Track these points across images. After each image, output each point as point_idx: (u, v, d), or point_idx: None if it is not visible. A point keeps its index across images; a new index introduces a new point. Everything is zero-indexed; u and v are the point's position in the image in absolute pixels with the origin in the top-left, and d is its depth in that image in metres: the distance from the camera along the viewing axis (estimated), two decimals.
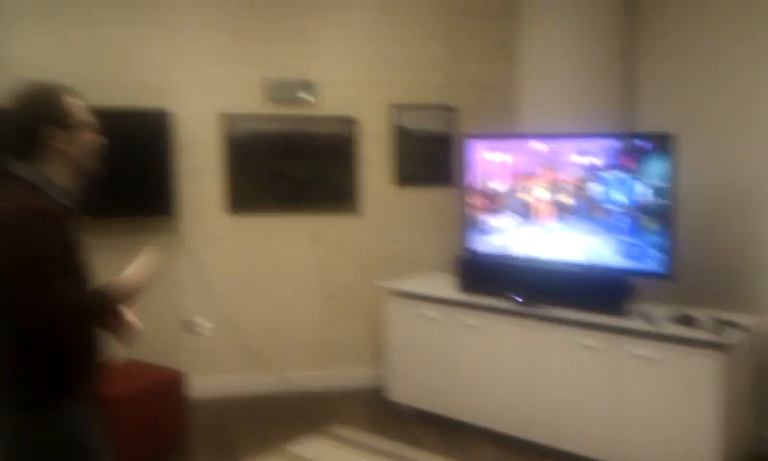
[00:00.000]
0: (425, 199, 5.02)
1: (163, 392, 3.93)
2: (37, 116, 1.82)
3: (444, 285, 4.43)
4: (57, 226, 1.79)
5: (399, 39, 4.90)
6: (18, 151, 1.84)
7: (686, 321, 3.54)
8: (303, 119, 4.80)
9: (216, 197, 4.75)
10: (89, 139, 1.92)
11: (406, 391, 4.49)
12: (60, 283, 1.74)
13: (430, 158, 5.02)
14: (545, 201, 4.10)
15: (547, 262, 4.10)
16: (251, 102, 4.73)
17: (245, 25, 4.69)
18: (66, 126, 1.85)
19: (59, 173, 1.86)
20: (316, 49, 4.81)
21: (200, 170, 4.68)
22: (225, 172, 4.74)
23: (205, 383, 4.65)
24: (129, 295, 1.92)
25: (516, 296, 3.99)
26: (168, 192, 4.50)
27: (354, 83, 4.87)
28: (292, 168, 4.84)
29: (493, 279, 4.17)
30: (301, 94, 4.76)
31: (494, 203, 4.33)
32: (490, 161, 4.33)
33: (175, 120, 4.53)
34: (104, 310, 1.89)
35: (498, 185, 4.30)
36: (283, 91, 4.74)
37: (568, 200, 4.01)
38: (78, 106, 1.89)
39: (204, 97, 4.67)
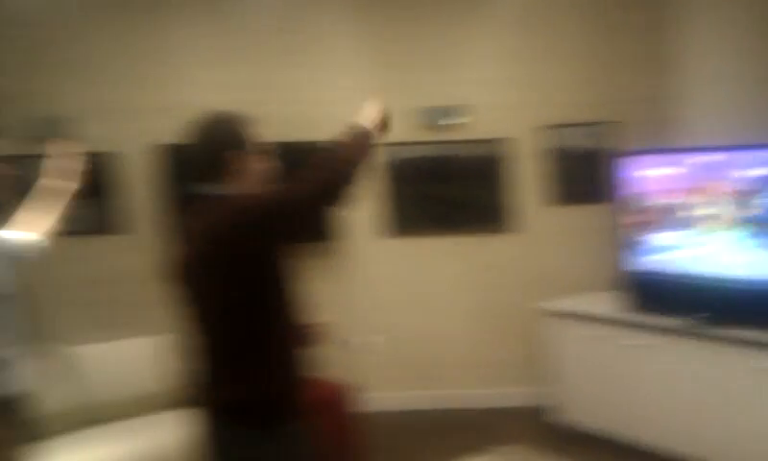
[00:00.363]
0: (580, 217, 4.93)
1: (332, 406, 4.05)
2: (224, 143, 1.93)
3: (607, 304, 4.31)
4: None
5: (549, 59, 4.90)
6: (206, 177, 1.94)
7: None
8: (456, 143, 4.90)
9: (375, 222, 4.95)
10: (264, 164, 2.02)
11: (569, 411, 4.41)
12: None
13: (583, 176, 4.94)
14: (711, 215, 3.91)
15: (719, 279, 3.87)
16: (404, 130, 4.87)
17: (399, 58, 4.88)
18: (247, 151, 1.96)
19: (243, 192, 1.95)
20: (467, 75, 4.91)
21: (364, 196, 4.88)
22: (382, 197, 4.93)
23: (370, 399, 4.80)
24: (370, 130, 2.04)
25: (687, 315, 3.80)
26: (334, 217, 4.73)
27: (505, 104, 4.90)
28: (445, 191, 4.96)
29: (664, 298, 4.01)
30: (454, 119, 4.87)
31: (655, 218, 4.17)
32: (648, 176, 4.19)
33: None
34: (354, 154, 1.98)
35: (659, 201, 4.14)
36: (436, 117, 4.87)
37: (735, 213, 3.79)
38: (255, 132, 2.00)
39: None
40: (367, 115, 2.07)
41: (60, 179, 2.65)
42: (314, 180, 1.85)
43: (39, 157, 2.78)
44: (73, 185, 2.67)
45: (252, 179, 1.98)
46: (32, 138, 4.65)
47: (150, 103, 4.76)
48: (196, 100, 4.68)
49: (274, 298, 1.86)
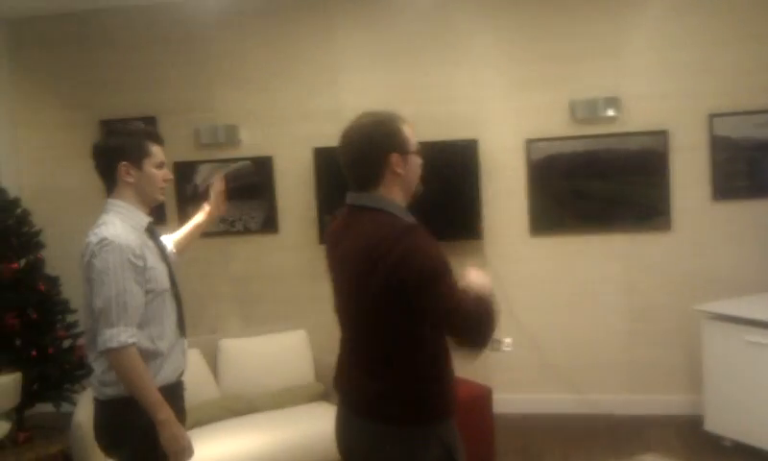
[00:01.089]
0: (748, 213, 4.55)
1: (472, 406, 4.07)
2: (383, 144, 1.89)
3: None
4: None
5: (718, 43, 4.55)
6: (365, 180, 1.91)
7: None
8: (610, 137, 4.70)
9: (520, 219, 4.86)
10: (420, 164, 1.98)
11: (725, 421, 4.09)
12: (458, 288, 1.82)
13: (754, 169, 4.54)
14: None
15: None
16: (555, 124, 4.77)
17: (548, 49, 4.75)
18: (406, 151, 1.92)
19: (399, 197, 1.93)
20: (623, 64, 4.69)
21: (505, 194, 4.84)
22: (529, 195, 4.83)
23: (510, 400, 4.75)
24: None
25: None
26: (476, 217, 4.75)
27: (666, 94, 4.63)
28: (596, 187, 4.76)
29: None
30: (608, 112, 4.66)
31: None
32: None
33: (482, 148, 4.76)
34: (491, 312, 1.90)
35: None
36: (589, 111, 4.69)
37: None
38: (411, 132, 1.95)
39: (510, 124, 4.83)
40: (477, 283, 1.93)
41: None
42: (475, 320, 1.84)
43: (200, 163, 2.99)
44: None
45: (411, 182, 1.96)
46: (196, 146, 5.07)
47: (307, 108, 5.02)
48: (352, 103, 4.88)
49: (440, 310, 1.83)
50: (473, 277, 1.94)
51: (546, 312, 4.85)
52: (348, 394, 2.00)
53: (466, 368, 4.20)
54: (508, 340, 4.84)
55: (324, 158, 4.76)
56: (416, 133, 1.99)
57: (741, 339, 3.95)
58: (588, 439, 4.36)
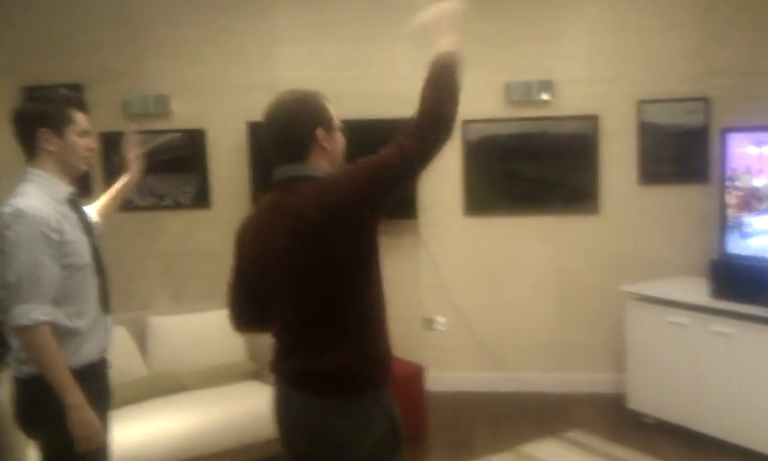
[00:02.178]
0: (673, 198, 4.71)
1: (404, 384, 4.12)
2: (310, 119, 1.90)
3: (694, 290, 4.12)
4: None
5: (647, 30, 4.66)
6: (292, 156, 1.91)
7: None
8: (543, 120, 4.77)
9: (455, 200, 4.90)
10: (343, 142, 2.00)
11: (648, 399, 4.26)
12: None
13: (680, 154, 4.69)
14: None
15: None
16: (490, 106, 4.80)
17: (485, 31, 4.75)
18: (331, 127, 1.94)
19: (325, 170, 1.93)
20: (557, 48, 4.76)
21: (440, 174, 4.84)
22: (463, 176, 4.86)
23: (442, 378, 4.83)
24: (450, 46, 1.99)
25: None
26: (411, 195, 4.73)
27: (598, 79, 4.72)
28: (529, 169, 4.84)
29: (752, 285, 3.78)
30: (542, 95, 4.73)
31: (758, 201, 3.93)
32: (749, 155, 3.95)
33: None
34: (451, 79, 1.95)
35: (759, 181, 3.91)
36: (523, 94, 4.74)
37: None
38: (332, 109, 1.96)
39: None
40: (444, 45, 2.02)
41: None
42: (427, 123, 1.86)
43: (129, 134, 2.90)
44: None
45: (337, 157, 1.97)
46: (124, 116, 4.89)
47: (241, 81, 4.89)
48: (289, 77, 4.79)
49: (368, 270, 1.87)
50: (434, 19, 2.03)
51: (478, 292, 4.92)
52: (293, 375, 1.95)
53: (396, 346, 4.26)
54: (441, 319, 4.93)
55: (258, 133, 4.65)
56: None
57: (663, 319, 4.11)
58: (516, 416, 4.46)
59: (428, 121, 1.86)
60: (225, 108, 4.91)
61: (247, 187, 4.82)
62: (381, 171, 1.82)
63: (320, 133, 1.91)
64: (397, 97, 4.80)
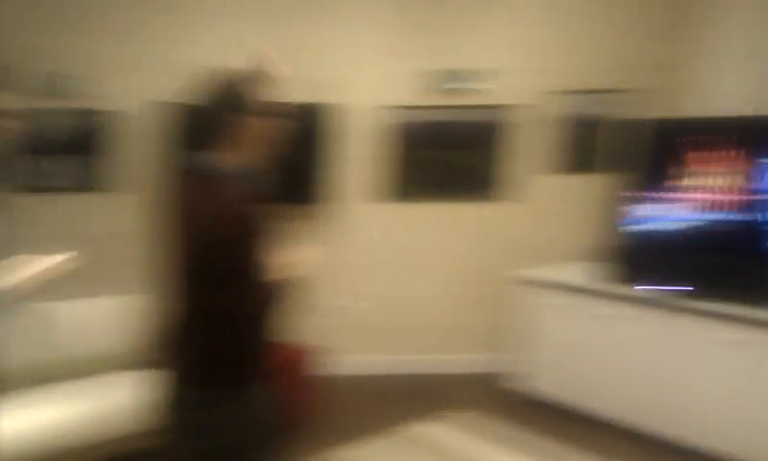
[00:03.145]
0: (579, 186, 4.88)
1: (295, 369, 4.13)
2: (223, 104, 1.87)
3: (582, 274, 4.30)
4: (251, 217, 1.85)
5: (566, 24, 4.82)
6: (206, 141, 1.88)
7: None
8: (464, 108, 4.86)
9: (368, 185, 4.95)
10: (269, 127, 1.93)
11: (533, 379, 4.43)
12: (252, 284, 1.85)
13: (587, 144, 4.88)
14: (714, 186, 3.84)
15: (707, 250, 3.83)
16: (414, 94, 4.87)
17: (412, 18, 4.82)
18: (252, 113, 1.88)
19: (243, 159, 1.89)
20: (481, 39, 4.85)
21: (357, 160, 4.90)
22: (379, 161, 4.92)
23: (340, 363, 4.88)
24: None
25: (664, 286, 3.81)
26: (324, 181, 4.78)
27: (518, 70, 4.85)
28: (445, 156, 4.94)
29: (637, 269, 4.00)
30: (463, 84, 4.83)
31: (656, 189, 4.09)
32: (656, 146, 4.10)
33: (342, 112, 4.76)
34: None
35: (663, 171, 4.05)
36: (447, 82, 4.83)
37: (742, 187, 3.74)
38: (264, 93, 1.90)
39: (370, 90, 4.84)
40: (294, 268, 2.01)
41: None
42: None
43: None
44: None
45: (257, 144, 1.92)
46: (36, 94, 4.64)
47: (157, 59, 4.74)
48: (208, 57, 4.64)
49: (245, 266, 1.86)
50: (295, 258, 2.00)
51: (386, 277, 5.02)
52: (172, 362, 2.00)
53: (291, 331, 4.29)
54: (336, 304, 4.99)
55: (171, 114, 4.54)
56: (276, 93, 1.94)
57: (549, 301, 4.30)
58: (404, 398, 4.56)
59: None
60: (138, 87, 4.75)
61: (156, 170, 4.69)
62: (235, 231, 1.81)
63: (242, 119, 1.87)
64: (324, 81, 4.75)
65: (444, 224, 5.00)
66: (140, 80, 4.76)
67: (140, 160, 4.81)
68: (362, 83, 4.86)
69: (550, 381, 4.35)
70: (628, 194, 4.23)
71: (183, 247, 1.90)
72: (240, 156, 1.89)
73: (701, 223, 3.89)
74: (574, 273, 4.41)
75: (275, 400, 2.02)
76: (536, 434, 4.00)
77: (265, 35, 4.75)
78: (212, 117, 1.88)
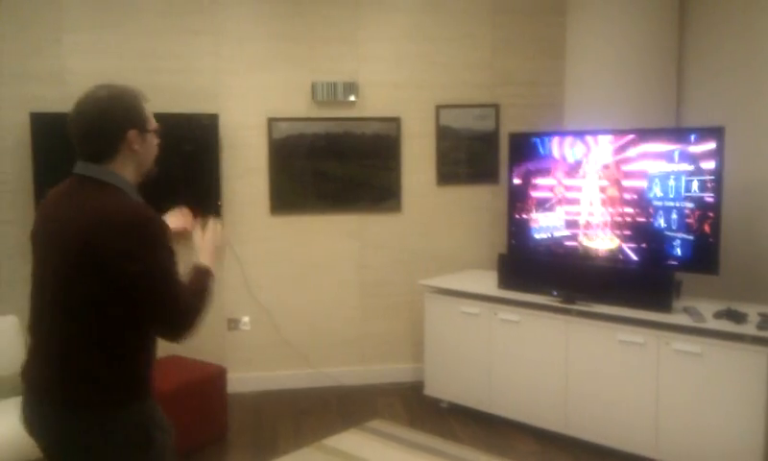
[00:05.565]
0: (468, 197, 5.00)
1: (205, 386, 4.00)
2: (122, 119, 1.83)
3: (485, 282, 4.41)
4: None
5: (444, 39, 4.91)
6: (98, 154, 1.83)
7: (731, 316, 3.43)
8: (348, 121, 4.86)
9: (261, 198, 4.84)
10: (156, 144, 1.96)
11: (443, 386, 4.49)
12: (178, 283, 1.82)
13: (474, 157, 5.00)
14: (590, 196, 4.07)
15: (590, 258, 4.07)
16: (297, 105, 4.82)
17: (292, 30, 4.77)
18: (145, 129, 1.88)
19: (130, 175, 1.88)
20: (362, 52, 4.87)
21: (246, 172, 4.80)
22: (270, 174, 4.82)
23: (245, 378, 4.75)
24: (212, 265, 2.06)
25: (556, 292, 3.95)
26: (215, 194, 4.63)
27: (399, 83, 4.90)
28: (335, 169, 4.90)
29: (534, 276, 4.14)
30: (346, 96, 4.81)
31: (538, 200, 4.31)
32: (535, 158, 4.32)
33: (223, 124, 4.66)
34: (208, 289, 1.97)
35: (542, 182, 4.29)
36: (329, 94, 4.80)
37: (614, 194, 3.97)
38: (149, 110, 1.92)
39: (252, 101, 4.77)
40: (205, 252, 2.09)
41: None
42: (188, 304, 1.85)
43: None
44: None
45: (147, 161, 1.92)
46: None
47: (24, 68, 4.46)
48: (79, 67, 4.46)
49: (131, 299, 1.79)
50: (203, 242, 2.08)
51: (283, 290, 4.91)
52: (43, 384, 1.84)
53: (199, 349, 4.15)
54: (246, 319, 4.84)
55: (43, 125, 4.29)
56: (151, 103, 1.93)
57: (456, 310, 4.35)
58: (320, 411, 4.49)
59: (188, 307, 1.84)
60: (4, 97, 4.46)
61: (28, 184, 4.39)
62: (157, 274, 1.77)
63: (132, 134, 1.84)
64: (194, 91, 4.71)
65: (345, 236, 4.96)
66: (9, 89, 4.45)
67: (18, 173, 4.48)
68: (244, 93, 4.78)
69: (459, 386, 4.41)
70: (512, 205, 4.47)
71: (64, 264, 1.78)
72: (128, 170, 1.88)
73: (572, 233, 4.14)
74: (477, 281, 4.52)
75: (171, 418, 1.97)
76: (446, 439, 4.03)
77: (137, 44, 4.61)
78: (112, 130, 1.83)
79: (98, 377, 1.79)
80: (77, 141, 1.83)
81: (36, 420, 1.86)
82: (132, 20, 4.59)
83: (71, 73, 4.46)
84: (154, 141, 1.94)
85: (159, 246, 1.78)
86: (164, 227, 1.82)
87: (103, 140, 1.82)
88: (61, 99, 4.50)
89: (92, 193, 1.79)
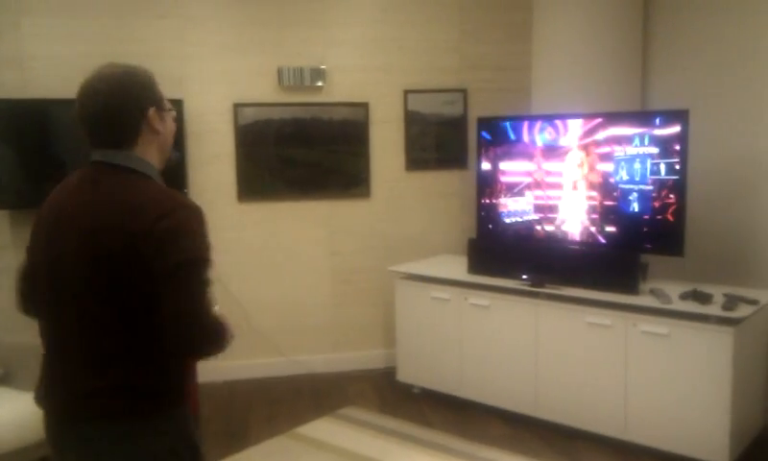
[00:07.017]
0: (437, 182, 5.01)
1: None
2: (141, 97, 1.72)
3: (455, 267, 4.43)
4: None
5: (412, 23, 4.88)
6: (117, 138, 1.69)
7: (697, 297, 3.50)
8: (316, 106, 4.82)
9: (228, 185, 4.78)
10: (173, 125, 1.84)
11: (416, 372, 4.50)
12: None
13: (442, 142, 5.00)
14: (558, 180, 4.10)
15: (558, 241, 4.11)
16: (263, 90, 4.75)
17: (258, 14, 4.70)
18: (163, 108, 1.77)
19: (155, 159, 1.76)
20: (328, 36, 4.81)
21: (213, 159, 4.73)
22: (237, 160, 4.76)
23: (216, 368, 4.68)
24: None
25: (526, 275, 3.99)
26: (180, 181, 4.54)
27: (367, 68, 4.87)
28: (304, 155, 4.86)
29: (503, 260, 4.16)
30: (314, 81, 4.75)
31: (507, 185, 4.32)
32: (503, 143, 4.33)
33: (189, 110, 4.57)
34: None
35: (511, 167, 4.30)
36: (296, 79, 4.74)
37: (581, 178, 4.00)
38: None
39: (218, 86, 4.70)
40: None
41: None
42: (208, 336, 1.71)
43: None
44: None
45: (168, 142, 1.80)
46: None
47: None
48: (39, 51, 4.33)
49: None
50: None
51: (254, 278, 4.86)
52: (70, 402, 1.68)
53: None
54: (215, 308, 4.78)
55: (2, 112, 4.18)
56: None
57: (427, 295, 4.36)
58: (293, 399, 4.48)
59: (213, 320, 1.71)
60: None
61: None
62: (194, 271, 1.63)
63: (152, 113, 1.72)
64: (158, 76, 4.56)
65: (315, 222, 4.93)
66: None
67: None
68: (209, 78, 4.70)
69: (430, 371, 4.43)
70: (481, 190, 4.47)
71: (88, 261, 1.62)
72: (157, 155, 1.77)
73: (541, 217, 4.17)
74: (447, 266, 4.54)
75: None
76: (418, 424, 4.05)
77: (101, 28, 4.50)
78: (129, 112, 1.69)
79: (139, 385, 1.65)
80: (91, 126, 1.69)
81: (68, 441, 1.70)
82: (93, 3, 4.48)
83: (31, 58, 4.33)
84: (172, 123, 1.82)
85: (201, 236, 1.66)
86: (205, 218, 1.69)
87: (124, 121, 1.68)
88: (21, 85, 4.43)
89: (123, 183, 1.65)
